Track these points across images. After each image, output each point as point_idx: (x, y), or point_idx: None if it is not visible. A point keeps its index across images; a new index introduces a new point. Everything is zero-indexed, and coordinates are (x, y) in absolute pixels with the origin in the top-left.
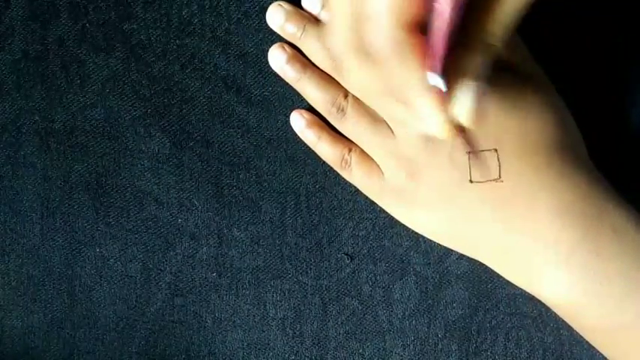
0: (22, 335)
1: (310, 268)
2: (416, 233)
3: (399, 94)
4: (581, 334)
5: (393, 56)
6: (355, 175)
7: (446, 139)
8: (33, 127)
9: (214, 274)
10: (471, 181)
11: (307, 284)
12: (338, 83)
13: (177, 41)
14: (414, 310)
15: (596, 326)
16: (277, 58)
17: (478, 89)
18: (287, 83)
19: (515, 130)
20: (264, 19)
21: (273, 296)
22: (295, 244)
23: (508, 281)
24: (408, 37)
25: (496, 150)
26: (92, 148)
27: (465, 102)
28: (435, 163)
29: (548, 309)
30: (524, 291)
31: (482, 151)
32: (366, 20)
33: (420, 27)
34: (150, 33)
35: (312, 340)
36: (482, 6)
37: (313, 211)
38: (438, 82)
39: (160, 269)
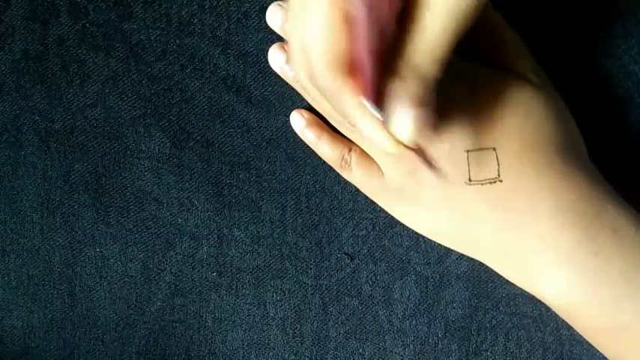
0: (22, 335)
1: (310, 268)
2: (416, 233)
3: (347, 119)
4: (581, 334)
5: (330, 93)
6: (355, 175)
7: (395, 152)
8: (33, 127)
9: (214, 274)
10: (470, 181)
11: (307, 284)
12: None
13: (177, 41)
14: (414, 310)
15: (596, 326)
16: (277, 58)
17: (418, 116)
18: (287, 83)
19: (515, 129)
20: (264, 19)
21: (273, 296)
22: (295, 243)
23: (508, 281)
24: (338, 77)
25: (495, 149)
26: (92, 148)
27: (402, 126)
28: (434, 163)
29: (548, 309)
30: (524, 291)
31: (482, 150)
32: (306, 68)
33: (353, 62)
34: (150, 33)
35: (312, 340)
36: (402, 37)
37: (313, 210)
38: (374, 110)
39: (160, 269)
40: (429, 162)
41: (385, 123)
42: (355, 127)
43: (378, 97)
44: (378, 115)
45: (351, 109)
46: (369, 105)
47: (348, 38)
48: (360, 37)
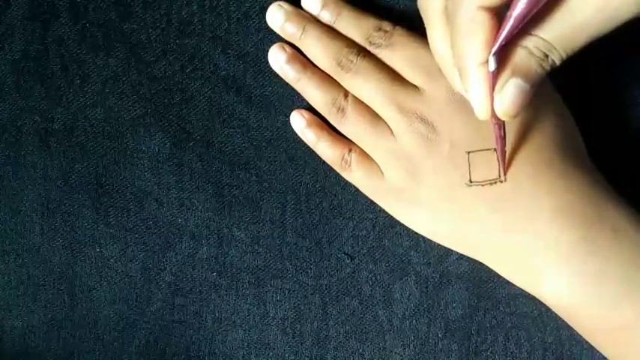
0: (22, 335)
1: (310, 268)
2: (416, 233)
3: (459, 61)
4: (581, 334)
5: (464, 27)
6: (355, 175)
7: (481, 119)
8: (33, 127)
9: (214, 274)
10: (470, 182)
11: (307, 284)
12: (338, 83)
13: (177, 41)
14: (414, 310)
15: (596, 326)
16: (277, 58)
17: (524, 91)
18: (287, 83)
19: (516, 130)
20: (264, 19)
21: (273, 296)
22: (295, 243)
23: (508, 281)
24: (482, 16)
25: (496, 150)
26: (92, 148)
27: (505, 94)
28: (434, 164)
29: (548, 309)
30: (524, 291)
31: (483, 151)
32: None
33: (498, 12)
34: (150, 33)
35: (312, 340)
36: (551, 15)
37: (313, 211)
38: (492, 62)
39: (160, 269)
40: (503, 141)
41: (494, 82)
42: (465, 72)
43: (499, 54)
44: (493, 67)
45: (476, 50)
46: (492, 56)
47: None
48: None
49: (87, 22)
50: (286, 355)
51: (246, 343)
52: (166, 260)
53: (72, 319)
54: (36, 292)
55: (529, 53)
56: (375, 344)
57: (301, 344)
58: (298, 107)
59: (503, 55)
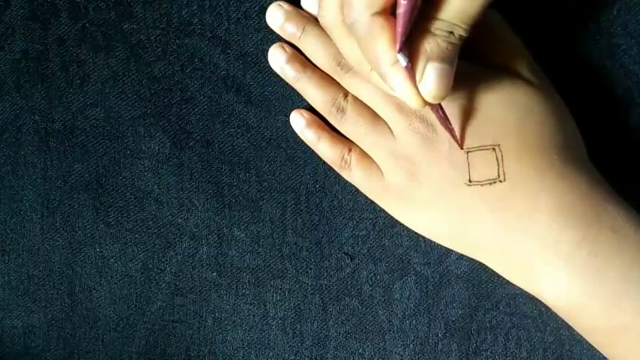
0: (22, 335)
1: (310, 268)
2: (416, 233)
3: (375, 68)
4: (581, 334)
5: (366, 35)
6: (355, 175)
7: (419, 109)
8: (33, 127)
9: (214, 273)
10: (470, 181)
11: (307, 284)
12: (338, 83)
13: (177, 41)
14: (414, 310)
15: (596, 326)
16: (277, 58)
17: (440, 70)
18: (287, 83)
19: (515, 130)
20: (264, 19)
21: (273, 296)
22: (295, 243)
23: (508, 281)
24: (378, 21)
25: (495, 150)
26: (92, 148)
27: (427, 81)
28: (434, 164)
29: (548, 309)
30: (524, 291)
31: (482, 150)
32: (347, 4)
33: (391, 10)
34: (150, 33)
35: (312, 339)
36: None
37: (313, 210)
38: (402, 59)
39: (160, 269)
40: (446, 121)
41: (411, 74)
42: (383, 75)
43: (406, 48)
44: (404, 63)
45: (382, 56)
46: (399, 54)
47: None
48: None
49: (87, 22)
50: (286, 355)
51: (246, 343)
52: (166, 260)
53: (72, 319)
54: (36, 292)
55: (433, 36)
56: (375, 344)
57: (301, 344)
58: (298, 107)
59: (411, 47)
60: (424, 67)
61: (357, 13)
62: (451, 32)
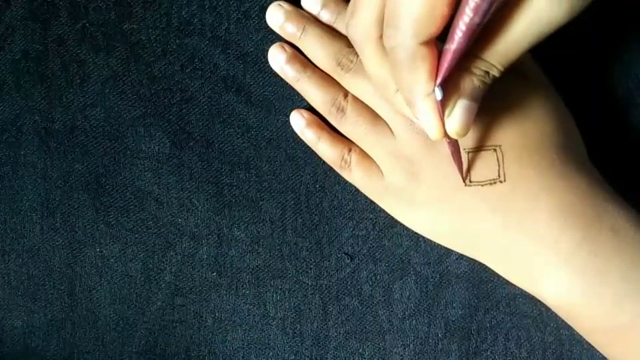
0: (22, 335)
1: (310, 268)
2: (416, 233)
3: (405, 93)
4: (581, 334)
5: (406, 63)
6: (355, 175)
7: (435, 140)
8: (33, 127)
9: (214, 273)
10: (470, 182)
11: (307, 284)
12: (338, 83)
13: (177, 41)
14: (414, 310)
15: (596, 326)
16: (277, 58)
17: (469, 108)
18: (287, 83)
19: (516, 130)
20: (264, 19)
21: (273, 296)
22: (295, 243)
23: (508, 281)
24: (423, 51)
25: (495, 150)
26: (92, 148)
27: (455, 116)
28: (434, 163)
29: (548, 309)
30: (524, 291)
31: (482, 150)
32: (391, 25)
33: (435, 42)
34: (150, 33)
35: (312, 339)
36: (485, 37)
37: (313, 210)
38: (438, 93)
39: (160, 269)
40: (459, 154)
41: (442, 107)
42: (412, 103)
43: (442, 84)
44: (439, 97)
45: (418, 86)
46: (437, 87)
47: (448, 11)
48: (460, 13)
49: (87, 22)
50: (286, 355)
51: (246, 343)
52: (166, 260)
53: (72, 319)
54: (36, 292)
55: (471, 74)
56: (375, 344)
57: (301, 344)
58: (298, 107)
59: (446, 79)
60: (455, 103)
61: (402, 38)
62: (487, 72)
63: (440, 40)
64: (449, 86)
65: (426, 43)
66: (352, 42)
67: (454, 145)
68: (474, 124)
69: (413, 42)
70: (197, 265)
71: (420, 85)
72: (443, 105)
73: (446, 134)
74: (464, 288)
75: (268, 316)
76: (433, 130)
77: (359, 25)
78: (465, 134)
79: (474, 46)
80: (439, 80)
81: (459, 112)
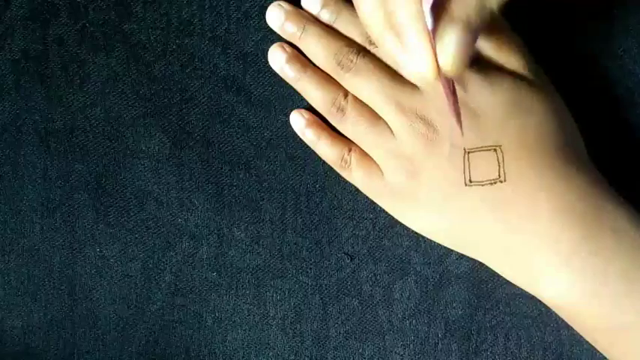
0: (22, 335)
1: (310, 268)
2: (416, 233)
3: (398, 25)
4: (581, 334)
5: None
6: (355, 175)
7: (430, 80)
8: (33, 127)
9: (214, 273)
10: (470, 181)
11: (307, 284)
12: (338, 83)
13: (177, 41)
14: (414, 310)
15: (596, 326)
16: (277, 58)
17: (464, 40)
18: (287, 83)
19: (516, 130)
20: (264, 19)
21: (273, 296)
22: (295, 243)
23: (508, 281)
24: None
25: (495, 150)
26: (92, 148)
27: (447, 46)
28: (434, 163)
29: (548, 309)
30: (524, 291)
31: (482, 150)
32: None
33: None
34: (150, 33)
35: (312, 339)
36: None
37: (313, 210)
38: (428, 18)
39: (160, 269)
40: (454, 95)
41: (432, 38)
42: (402, 34)
43: (434, 8)
44: (430, 23)
45: (409, 11)
46: (427, 9)
47: None
48: None
49: (87, 22)
50: (286, 355)
51: (246, 343)
52: (166, 260)
53: (72, 319)
54: (36, 292)
55: (465, 2)
56: (375, 344)
57: (301, 344)
58: (298, 107)
59: (438, 10)
60: (447, 30)
61: None
62: (484, 4)
63: None
64: (442, 16)
65: None
66: None
67: (450, 87)
68: (474, 124)
69: None
70: (197, 265)
71: (413, 11)
72: (434, 35)
73: (440, 73)
74: (464, 288)
75: (268, 316)
76: (426, 65)
77: None
78: (459, 71)
79: None
80: (432, 3)
81: (452, 41)
